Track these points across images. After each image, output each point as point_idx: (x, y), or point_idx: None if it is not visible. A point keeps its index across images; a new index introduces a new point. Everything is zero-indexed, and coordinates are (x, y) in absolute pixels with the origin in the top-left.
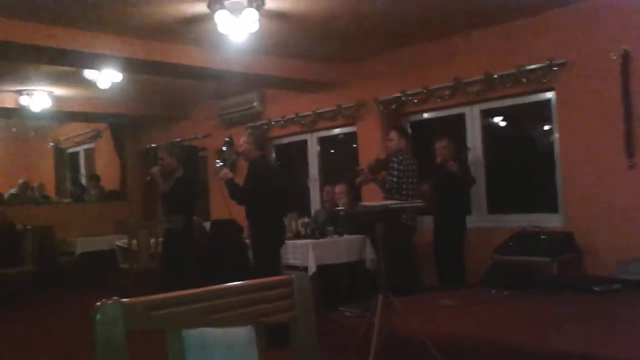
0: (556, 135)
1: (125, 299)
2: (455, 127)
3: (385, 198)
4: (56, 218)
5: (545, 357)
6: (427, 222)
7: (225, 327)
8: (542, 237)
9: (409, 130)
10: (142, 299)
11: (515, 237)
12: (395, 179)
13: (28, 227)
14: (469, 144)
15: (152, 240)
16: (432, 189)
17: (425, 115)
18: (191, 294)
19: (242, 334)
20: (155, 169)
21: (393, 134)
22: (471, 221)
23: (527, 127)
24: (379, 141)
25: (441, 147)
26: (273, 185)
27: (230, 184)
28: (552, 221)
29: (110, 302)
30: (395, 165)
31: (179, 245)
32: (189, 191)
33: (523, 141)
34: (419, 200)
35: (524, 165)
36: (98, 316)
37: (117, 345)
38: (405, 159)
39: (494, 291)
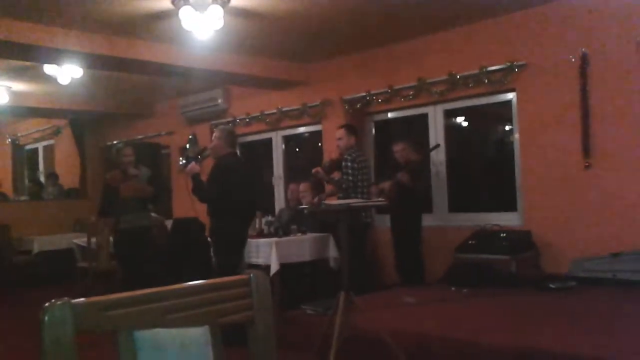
0: (516, 135)
1: (75, 299)
2: (418, 127)
3: (341, 198)
4: (13, 216)
5: (505, 353)
6: (383, 220)
7: (181, 328)
8: (501, 235)
9: (373, 130)
10: (93, 299)
11: (475, 236)
12: (350, 177)
13: None
14: (433, 143)
15: (112, 239)
16: (392, 188)
17: (390, 114)
18: (146, 294)
19: (197, 334)
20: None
21: (340, 132)
22: (432, 220)
23: (489, 127)
24: None
25: (398, 149)
26: (238, 183)
27: (196, 179)
28: (511, 220)
29: (59, 302)
30: (349, 164)
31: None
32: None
33: (484, 141)
34: (381, 199)
35: (484, 164)
36: (46, 317)
37: (65, 346)
38: (357, 155)
39: (453, 289)
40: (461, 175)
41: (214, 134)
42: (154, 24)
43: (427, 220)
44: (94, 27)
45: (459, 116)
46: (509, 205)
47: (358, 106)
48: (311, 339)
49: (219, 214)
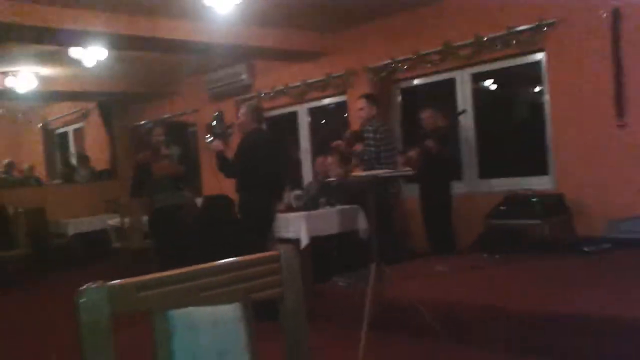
0: (546, 97)
1: (110, 282)
2: (445, 92)
3: (364, 169)
4: (47, 200)
5: (539, 318)
6: (412, 189)
7: (213, 306)
8: (533, 199)
9: (399, 98)
10: (128, 280)
11: (507, 201)
12: (372, 148)
13: (19, 209)
14: (460, 109)
15: (145, 218)
16: (419, 156)
17: (416, 81)
18: (177, 274)
19: (229, 311)
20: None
21: (361, 102)
22: (462, 187)
23: (518, 89)
24: None
25: (425, 116)
26: (264, 158)
27: (220, 156)
28: (542, 183)
29: (93, 285)
30: (371, 135)
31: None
32: None
33: (514, 104)
34: (408, 168)
35: (514, 128)
36: (82, 300)
37: (102, 328)
38: (379, 126)
39: (485, 256)
40: (491, 140)
41: (240, 111)
42: (175, 1)
43: (457, 188)
44: (117, 8)
45: (486, 79)
46: (541, 168)
47: (383, 74)
48: (343, 311)
49: (246, 190)
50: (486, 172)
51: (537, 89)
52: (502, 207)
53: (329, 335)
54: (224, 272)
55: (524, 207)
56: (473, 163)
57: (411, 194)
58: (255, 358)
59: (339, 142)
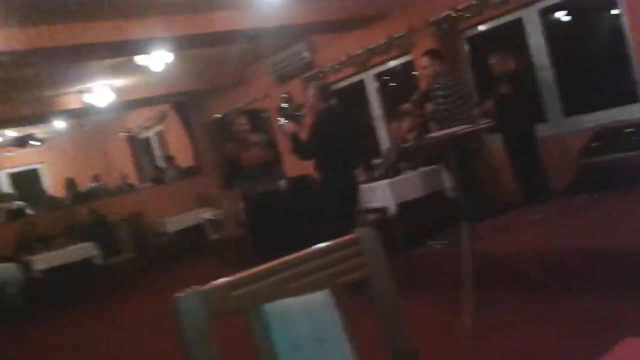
0: (625, 19)
1: (203, 286)
2: (515, 34)
3: (439, 129)
4: (143, 203)
5: None
6: (495, 139)
7: (303, 295)
8: (627, 130)
9: (466, 48)
10: (219, 282)
11: (598, 137)
12: (443, 106)
13: (119, 216)
14: (533, 48)
15: (238, 208)
16: (495, 106)
17: (481, 27)
18: (265, 269)
19: (320, 298)
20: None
21: (425, 60)
22: (547, 128)
23: (593, 16)
24: None
25: (495, 62)
26: (336, 136)
27: (293, 138)
28: (634, 112)
29: (189, 292)
30: (439, 92)
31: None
32: None
33: (590, 33)
34: (487, 120)
35: (594, 58)
36: (180, 307)
37: (202, 331)
38: (447, 81)
39: (584, 196)
40: (571, 75)
41: (308, 91)
42: None
43: (542, 130)
44: (173, 9)
45: (557, 12)
46: (630, 97)
47: (445, 26)
48: (442, 274)
49: (324, 169)
50: (571, 109)
51: (613, 12)
52: (594, 144)
53: (432, 301)
54: (309, 261)
55: (618, 140)
56: (555, 102)
57: (495, 144)
58: (353, 342)
59: (408, 105)
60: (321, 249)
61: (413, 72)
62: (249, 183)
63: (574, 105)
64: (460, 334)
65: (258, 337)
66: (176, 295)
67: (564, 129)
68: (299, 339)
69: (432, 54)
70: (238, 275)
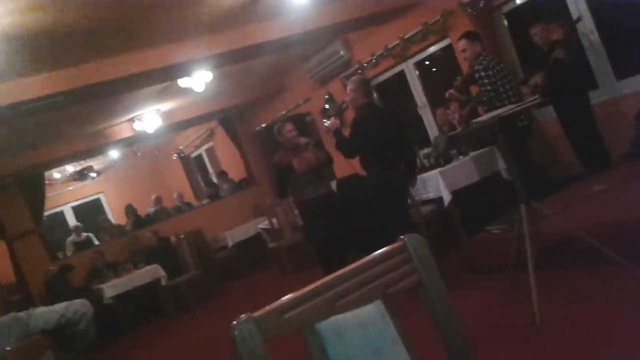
0: None
1: (255, 313)
2: (555, 3)
3: (486, 111)
4: (202, 220)
5: None
6: (547, 113)
7: (355, 309)
8: None
9: (505, 24)
10: (271, 307)
11: None
12: (488, 87)
13: (181, 236)
14: (573, 13)
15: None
16: (544, 79)
17: (518, 0)
18: (314, 288)
19: (373, 310)
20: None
21: (462, 43)
22: (600, 95)
23: None
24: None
25: (536, 32)
26: (379, 132)
27: (337, 134)
28: None
29: (243, 318)
30: (482, 73)
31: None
32: None
33: None
34: (534, 97)
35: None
36: (235, 334)
37: (259, 356)
38: (488, 61)
39: None
40: (619, 38)
41: (348, 87)
42: (253, 7)
43: (595, 97)
44: (211, 29)
45: None
46: None
47: (480, 5)
48: (505, 258)
49: (370, 166)
50: (622, 73)
51: None
52: None
53: (495, 288)
54: (356, 275)
55: None
56: (606, 67)
57: (547, 117)
58: (412, 349)
59: (451, 91)
60: (368, 261)
61: (454, 55)
62: (302, 188)
63: (624, 69)
64: (531, 320)
65: (314, 355)
66: (232, 324)
67: (617, 93)
68: (356, 352)
69: (468, 36)
70: (287, 298)
